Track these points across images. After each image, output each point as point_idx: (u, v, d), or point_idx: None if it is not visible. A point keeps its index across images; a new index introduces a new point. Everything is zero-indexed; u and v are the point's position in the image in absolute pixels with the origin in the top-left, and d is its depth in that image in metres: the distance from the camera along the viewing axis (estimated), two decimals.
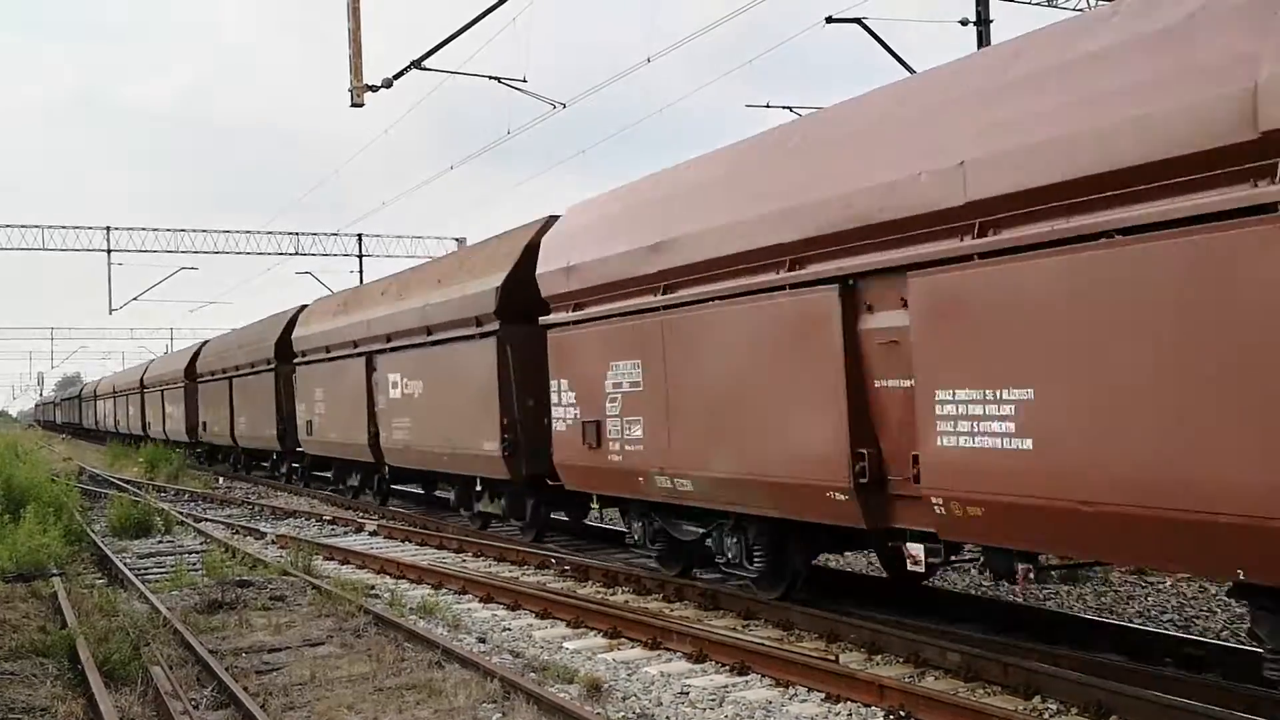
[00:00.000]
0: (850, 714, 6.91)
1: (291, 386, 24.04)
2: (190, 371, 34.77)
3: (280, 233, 44.04)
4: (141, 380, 44.67)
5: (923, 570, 7.80)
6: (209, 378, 32.06)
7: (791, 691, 7.43)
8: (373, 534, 17.07)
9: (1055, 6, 19.83)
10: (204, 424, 33.12)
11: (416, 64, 18.32)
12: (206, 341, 35.94)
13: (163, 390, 39.15)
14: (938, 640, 7.95)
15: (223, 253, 43.55)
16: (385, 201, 73.40)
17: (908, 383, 7.43)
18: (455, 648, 8.50)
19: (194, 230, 43.10)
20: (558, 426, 12.04)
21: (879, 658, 8.18)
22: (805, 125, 9.53)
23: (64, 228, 41.53)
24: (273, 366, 25.36)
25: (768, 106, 22.73)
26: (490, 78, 20.48)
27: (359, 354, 19.24)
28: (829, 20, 18.22)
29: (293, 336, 23.88)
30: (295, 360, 23.58)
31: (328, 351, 21.28)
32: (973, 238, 6.86)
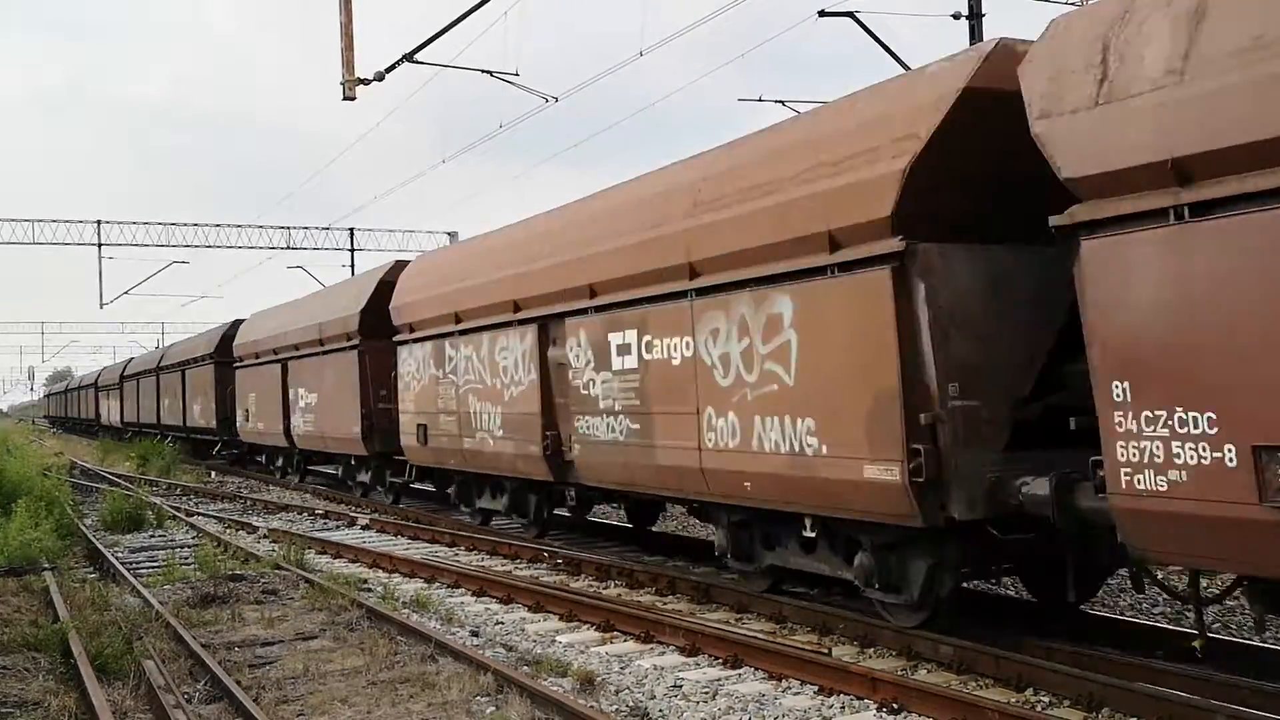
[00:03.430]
0: (843, 707, 6.93)
1: None
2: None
3: (272, 227, 43.90)
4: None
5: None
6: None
7: (785, 684, 7.45)
8: (365, 528, 17.06)
9: (1049, 0, 19.82)
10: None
11: (408, 57, 18.29)
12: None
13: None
14: (930, 634, 7.98)
15: (214, 247, 43.43)
16: (377, 195, 73.35)
17: None
18: (449, 641, 8.50)
19: (185, 224, 43.04)
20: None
21: (871, 651, 8.20)
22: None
23: (55, 221, 41.40)
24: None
25: (760, 100, 22.75)
26: (482, 71, 20.47)
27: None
28: (821, 14, 18.23)
29: None
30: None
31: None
32: None
